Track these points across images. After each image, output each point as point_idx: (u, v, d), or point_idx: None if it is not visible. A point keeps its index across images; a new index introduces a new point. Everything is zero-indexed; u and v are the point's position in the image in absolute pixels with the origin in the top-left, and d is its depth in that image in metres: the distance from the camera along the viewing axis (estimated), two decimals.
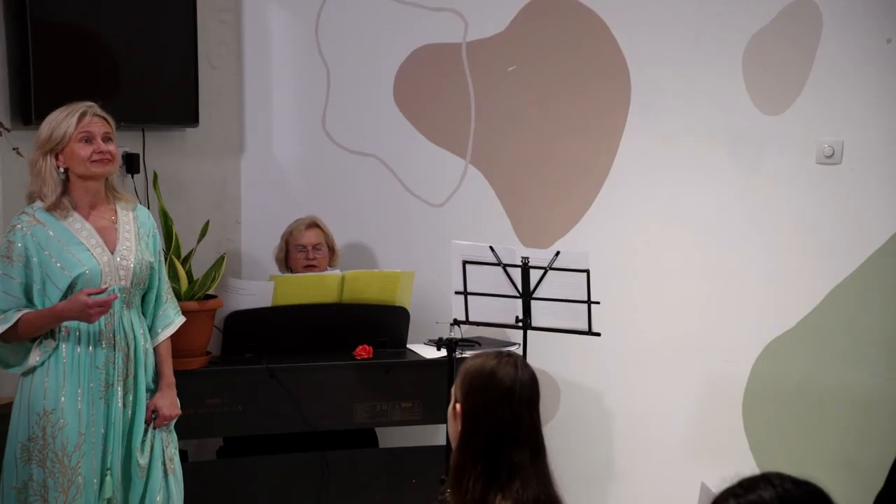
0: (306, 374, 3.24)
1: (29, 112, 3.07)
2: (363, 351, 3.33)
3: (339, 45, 3.92)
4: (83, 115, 2.57)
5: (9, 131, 2.92)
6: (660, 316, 3.67)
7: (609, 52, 3.68)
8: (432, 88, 3.87)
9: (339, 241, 3.74)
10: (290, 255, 3.64)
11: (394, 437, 3.66)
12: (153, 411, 2.65)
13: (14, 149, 2.92)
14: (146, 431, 2.63)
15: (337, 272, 3.50)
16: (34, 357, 2.53)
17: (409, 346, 3.50)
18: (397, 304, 3.48)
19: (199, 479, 3.03)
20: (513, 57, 3.79)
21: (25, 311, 2.50)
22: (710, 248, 3.63)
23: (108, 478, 2.57)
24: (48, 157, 2.54)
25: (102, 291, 2.48)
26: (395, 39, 3.87)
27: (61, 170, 2.56)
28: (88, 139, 2.56)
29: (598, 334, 3.12)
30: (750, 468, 1.72)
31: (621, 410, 3.73)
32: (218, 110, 3.85)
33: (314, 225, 3.64)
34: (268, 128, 3.97)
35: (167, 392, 2.69)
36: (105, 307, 2.47)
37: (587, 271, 3.06)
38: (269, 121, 3.97)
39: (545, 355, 3.45)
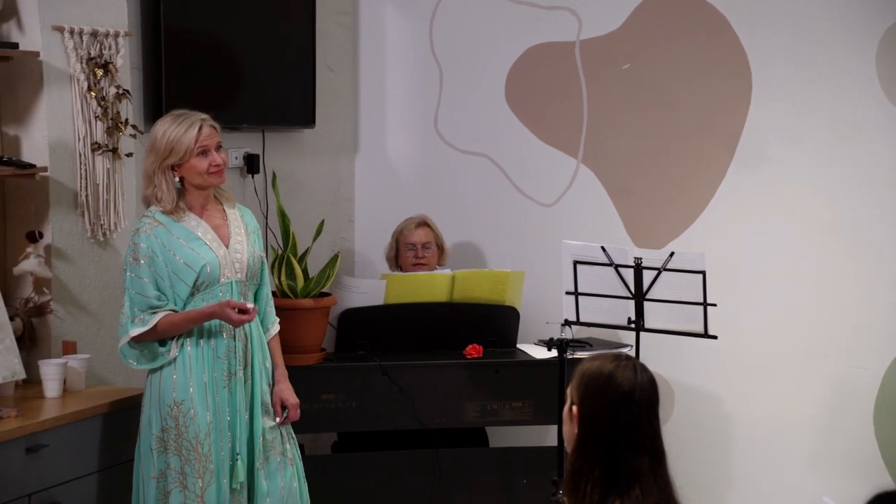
0: (417, 372, 3.28)
1: (160, 115, 3.19)
2: (473, 350, 3.34)
3: (453, 45, 3.94)
4: (200, 129, 2.67)
5: (142, 133, 3.06)
6: (781, 319, 3.55)
7: (730, 48, 3.58)
8: (544, 88, 3.85)
9: (450, 241, 3.77)
10: (400, 254, 3.68)
11: (504, 436, 3.66)
12: (282, 406, 2.75)
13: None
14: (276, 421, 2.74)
15: (447, 271, 3.52)
16: (173, 351, 2.65)
17: (518, 345, 3.50)
18: (507, 304, 3.48)
19: (314, 472, 3.10)
20: (628, 55, 3.73)
21: (166, 313, 2.62)
22: (836, 250, 3.49)
23: (238, 463, 2.67)
24: (166, 171, 2.66)
25: (247, 309, 2.62)
26: (508, 39, 3.86)
27: (177, 179, 2.68)
28: (205, 152, 2.68)
29: (714, 337, 3.04)
30: (885, 482, 1.64)
31: (740, 416, 3.62)
32: (334, 111, 3.94)
33: (424, 224, 3.68)
34: (381, 128, 4.04)
35: (286, 383, 2.80)
36: (250, 314, 2.62)
37: (703, 272, 2.98)
38: (383, 121, 4.04)
39: (658, 357, 3.38)
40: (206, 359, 2.65)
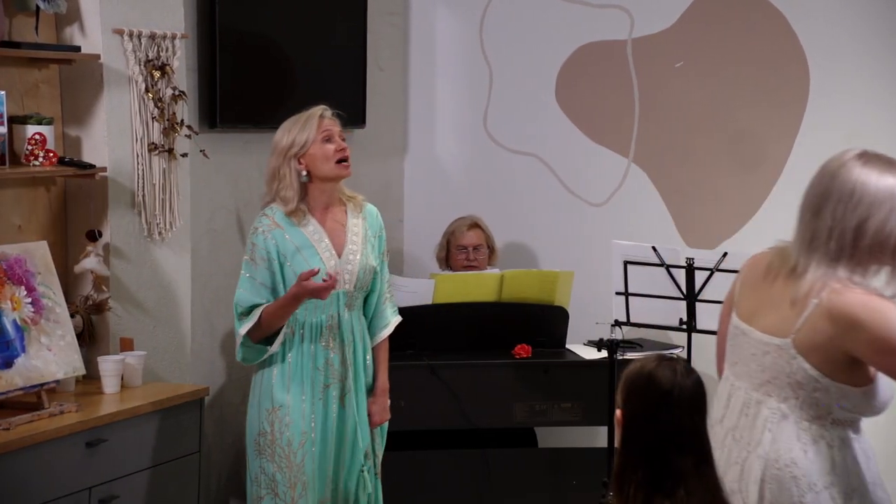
0: (466, 372, 3.29)
1: (214, 116, 3.25)
2: (522, 350, 3.34)
3: (503, 44, 3.94)
4: (321, 117, 2.66)
5: (197, 134, 3.10)
6: None
7: (786, 44, 3.53)
8: (595, 86, 3.83)
9: (499, 241, 3.77)
10: (451, 255, 3.69)
11: (553, 437, 3.65)
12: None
13: (201, 150, 3.11)
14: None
15: (496, 271, 3.52)
16: (276, 345, 2.63)
17: (568, 346, 3.48)
18: (556, 304, 3.47)
19: None
20: (681, 53, 3.69)
21: (264, 305, 2.61)
22: None
23: (326, 478, 2.64)
24: (291, 162, 2.63)
25: (315, 274, 2.53)
26: (559, 38, 3.85)
27: (304, 173, 2.65)
28: (329, 138, 2.65)
29: None
30: None
31: None
32: (384, 111, 3.96)
33: (475, 226, 3.68)
34: (431, 128, 4.05)
35: (380, 398, 2.75)
36: (330, 285, 2.54)
37: None
38: (433, 121, 4.05)
39: (711, 359, 3.34)
40: (306, 368, 2.64)
